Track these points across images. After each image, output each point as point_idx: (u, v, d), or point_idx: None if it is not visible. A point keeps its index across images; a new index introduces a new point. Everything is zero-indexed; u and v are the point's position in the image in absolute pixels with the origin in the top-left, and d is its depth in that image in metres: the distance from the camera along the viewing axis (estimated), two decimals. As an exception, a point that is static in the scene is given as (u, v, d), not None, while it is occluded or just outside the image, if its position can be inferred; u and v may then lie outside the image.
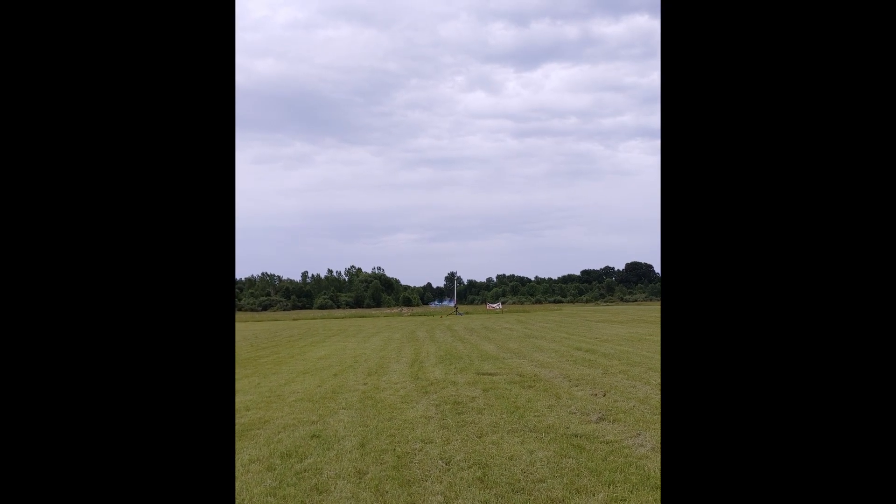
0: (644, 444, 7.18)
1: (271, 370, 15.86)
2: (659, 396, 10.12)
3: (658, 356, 15.96)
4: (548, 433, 7.80)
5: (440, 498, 5.57)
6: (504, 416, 8.91)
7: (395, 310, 64.87)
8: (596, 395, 10.49)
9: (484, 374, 13.41)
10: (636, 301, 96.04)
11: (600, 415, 8.81)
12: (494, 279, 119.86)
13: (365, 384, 12.54)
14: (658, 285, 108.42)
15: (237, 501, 5.70)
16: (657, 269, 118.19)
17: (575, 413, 9.00)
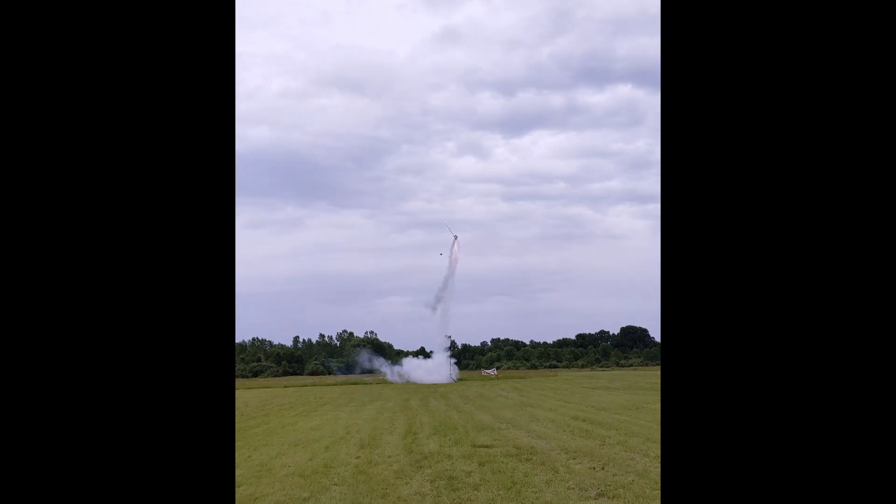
0: (645, 523, 6.98)
1: (262, 441, 15.49)
2: (658, 469, 9.90)
3: (656, 425, 15.71)
4: (546, 511, 7.58)
5: (436, 584, 5.36)
6: (501, 492, 8.69)
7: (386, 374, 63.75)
8: (594, 468, 10.27)
9: (480, 447, 13.13)
10: (632, 366, 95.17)
11: (599, 490, 8.60)
12: (489, 343, 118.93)
13: (357, 458, 12.24)
14: (654, 350, 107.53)
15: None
16: (652, 333, 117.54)
17: (573, 489, 8.79)
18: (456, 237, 63.24)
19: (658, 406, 18.49)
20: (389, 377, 61.51)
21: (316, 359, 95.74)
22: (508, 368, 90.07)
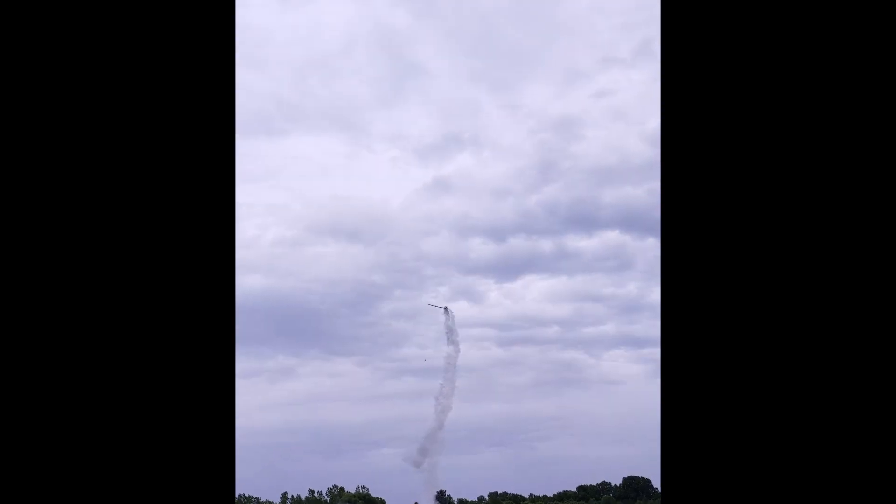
0: None
1: None
2: None
3: None
4: None
5: None
6: None
7: None
8: None
9: None
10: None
11: None
12: (486, 497, 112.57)
13: None
14: (657, 502, 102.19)
15: None
16: (655, 483, 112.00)
17: None
18: (446, 308, 55.46)
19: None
20: None
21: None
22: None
